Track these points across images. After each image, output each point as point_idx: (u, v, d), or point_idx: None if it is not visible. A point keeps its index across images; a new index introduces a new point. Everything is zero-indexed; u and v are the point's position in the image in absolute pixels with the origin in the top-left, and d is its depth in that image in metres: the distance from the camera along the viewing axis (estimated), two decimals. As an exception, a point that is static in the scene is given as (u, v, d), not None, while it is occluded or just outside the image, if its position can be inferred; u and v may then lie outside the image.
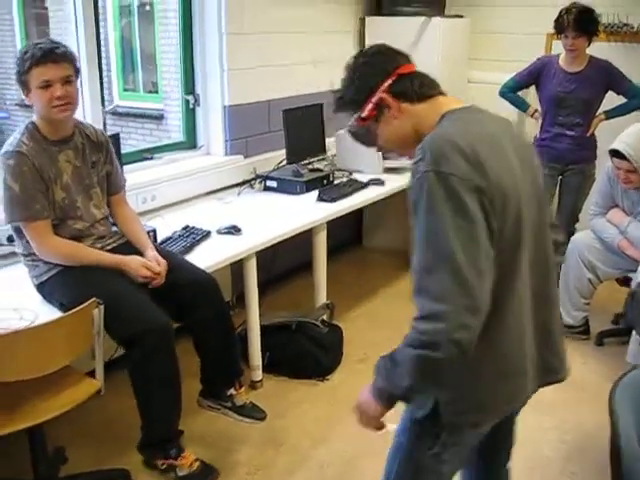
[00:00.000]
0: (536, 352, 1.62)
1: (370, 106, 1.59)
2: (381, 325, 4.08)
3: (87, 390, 2.38)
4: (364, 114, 1.61)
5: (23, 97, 2.46)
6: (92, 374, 2.43)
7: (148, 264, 2.56)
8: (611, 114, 4.01)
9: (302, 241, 3.55)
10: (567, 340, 1.77)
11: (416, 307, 1.41)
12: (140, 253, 2.63)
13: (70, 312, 2.22)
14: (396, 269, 4.93)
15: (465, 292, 1.35)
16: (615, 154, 3.29)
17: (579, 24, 3.75)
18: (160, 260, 2.59)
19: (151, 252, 2.62)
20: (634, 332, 3.26)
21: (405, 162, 4.45)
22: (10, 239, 2.70)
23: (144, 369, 2.42)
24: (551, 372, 1.70)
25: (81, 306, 2.23)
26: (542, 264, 1.62)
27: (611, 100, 4.04)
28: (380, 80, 1.59)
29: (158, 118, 6.64)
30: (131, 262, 2.56)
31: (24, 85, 2.40)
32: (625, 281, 3.65)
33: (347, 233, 5.28)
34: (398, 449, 1.71)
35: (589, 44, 3.87)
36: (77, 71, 2.48)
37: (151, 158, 3.74)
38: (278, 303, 4.01)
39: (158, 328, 2.40)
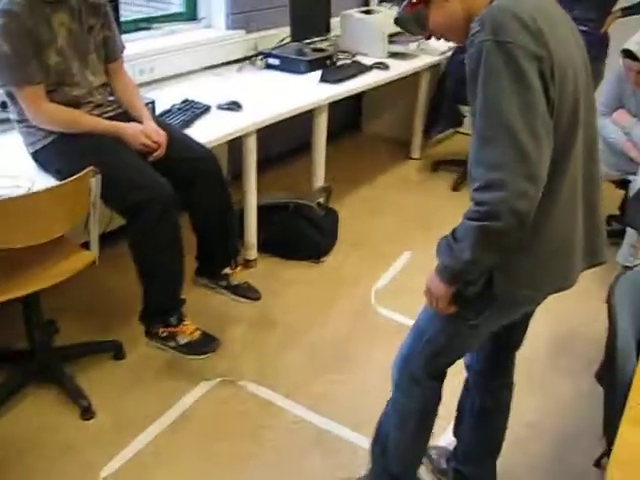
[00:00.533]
0: (584, 232, 1.65)
1: None
2: (377, 211, 4.09)
3: (81, 261, 2.36)
4: None
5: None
6: (86, 246, 2.42)
7: (147, 131, 2.49)
8: (627, 12, 3.86)
9: (301, 122, 3.48)
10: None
11: (474, 179, 1.42)
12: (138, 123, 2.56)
13: (66, 181, 2.17)
14: (394, 156, 4.91)
15: (523, 159, 1.36)
16: (627, 54, 3.18)
17: None
18: (159, 131, 2.52)
19: (150, 122, 2.55)
20: (627, 234, 3.28)
21: (411, 47, 4.34)
22: (4, 105, 2.62)
23: (148, 237, 2.40)
24: (596, 253, 1.72)
25: (77, 175, 2.18)
26: (590, 143, 1.61)
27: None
28: None
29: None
30: (129, 128, 2.48)
31: None
32: (622, 183, 3.64)
33: (346, 118, 5.18)
34: (437, 315, 1.73)
35: None
36: None
37: (149, 28, 3.59)
38: (274, 183, 3.99)
39: (163, 196, 2.36)
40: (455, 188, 4.44)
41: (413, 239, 3.80)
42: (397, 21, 1.70)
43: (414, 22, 1.65)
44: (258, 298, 2.96)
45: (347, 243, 3.69)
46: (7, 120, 2.65)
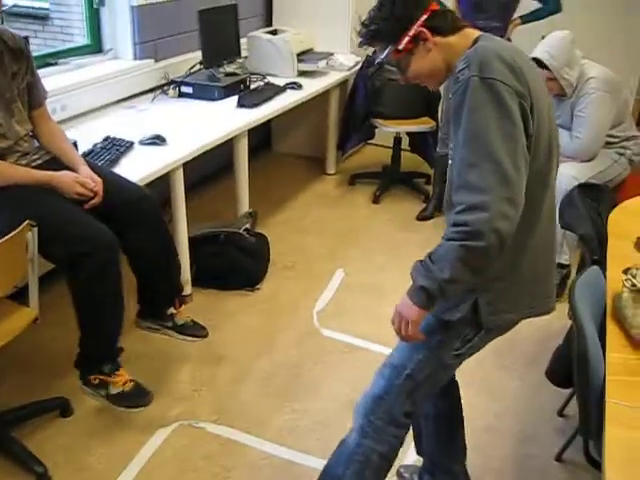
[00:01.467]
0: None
1: (407, 39, 1.64)
2: (303, 231, 4.09)
3: (23, 320, 2.23)
4: (401, 46, 1.65)
5: None
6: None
7: (81, 179, 2.38)
8: (526, 19, 4.05)
9: (217, 148, 3.41)
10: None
11: (457, 202, 1.49)
12: (69, 170, 2.44)
13: (3, 239, 2.03)
14: (309, 174, 4.92)
15: (505, 184, 1.45)
16: (535, 62, 3.32)
17: None
18: (95, 177, 2.41)
19: (84, 169, 2.44)
20: (562, 235, 3.41)
21: (320, 65, 4.37)
22: None
23: (90, 288, 2.29)
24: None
25: (14, 231, 2.05)
26: (554, 176, 1.72)
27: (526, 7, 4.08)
28: (419, 14, 1.64)
29: (43, 18, 6.08)
30: (63, 177, 2.36)
31: None
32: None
33: (256, 138, 5.15)
34: (419, 347, 1.75)
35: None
36: None
37: (56, 64, 3.44)
38: (198, 212, 3.90)
39: (104, 245, 2.26)
40: (375, 200, 4.50)
41: (343, 255, 3.82)
42: (379, 65, 1.76)
43: (397, 67, 1.72)
44: (206, 335, 2.89)
45: (279, 266, 3.66)
46: None
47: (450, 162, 1.59)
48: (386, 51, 1.68)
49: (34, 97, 2.49)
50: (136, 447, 2.46)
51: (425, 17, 1.64)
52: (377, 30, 1.68)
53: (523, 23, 4.05)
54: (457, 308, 1.65)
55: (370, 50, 1.81)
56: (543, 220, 1.64)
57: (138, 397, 2.56)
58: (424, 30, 1.64)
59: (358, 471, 1.88)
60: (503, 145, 1.45)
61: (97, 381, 2.51)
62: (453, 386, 2.12)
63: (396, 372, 1.80)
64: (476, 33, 1.67)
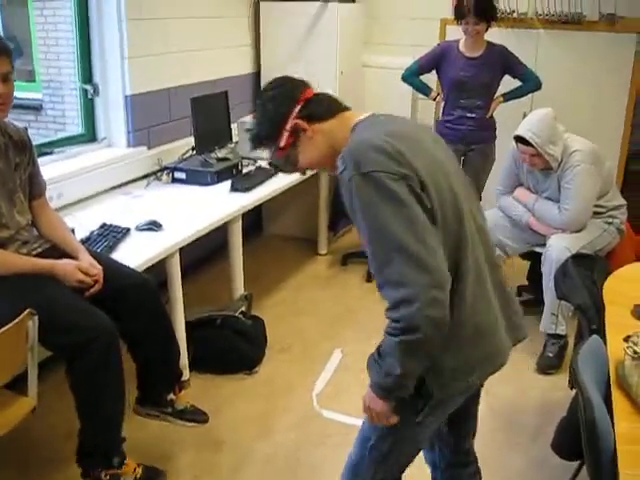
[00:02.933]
0: (501, 312, 1.73)
1: (286, 134, 1.69)
2: (297, 312, 4.09)
3: (21, 410, 2.20)
4: (282, 144, 1.70)
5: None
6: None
7: (83, 267, 2.39)
8: (508, 97, 4.19)
9: (212, 231, 3.44)
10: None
11: (386, 300, 1.49)
12: (69, 258, 2.45)
13: (4, 329, 2.01)
14: (301, 255, 4.95)
15: (423, 270, 1.44)
16: (520, 140, 3.42)
17: (480, 10, 3.87)
18: (96, 265, 2.41)
19: (85, 256, 2.44)
20: (547, 303, 3.44)
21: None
22: None
23: (91, 379, 2.26)
24: (517, 329, 1.80)
25: (15, 320, 2.04)
26: (482, 232, 1.73)
27: (507, 85, 4.22)
28: (290, 108, 1.70)
29: (37, 109, 6.22)
30: (65, 265, 2.36)
31: None
32: (527, 255, 3.85)
33: (247, 221, 5.19)
34: (375, 427, 1.74)
35: (487, 29, 4.00)
36: (13, 67, 2.28)
37: (51, 153, 3.50)
38: (192, 295, 3.89)
39: (105, 335, 2.24)
40: (368, 279, 4.51)
41: (339, 335, 3.80)
42: (271, 165, 1.84)
43: (286, 164, 1.77)
44: (206, 420, 2.82)
45: (275, 349, 3.64)
46: None
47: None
48: (272, 151, 1.74)
49: (35, 187, 2.52)
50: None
51: (298, 108, 1.69)
52: (257, 135, 1.75)
53: (505, 101, 4.19)
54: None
55: None
56: (469, 281, 1.61)
57: (152, 479, 2.54)
58: (298, 122, 1.68)
59: None
60: (406, 231, 1.46)
61: (107, 477, 2.43)
62: (478, 474, 2.11)
63: (363, 442, 1.82)
64: (354, 118, 1.70)
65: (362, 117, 1.71)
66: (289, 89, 1.74)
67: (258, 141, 1.76)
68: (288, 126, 1.68)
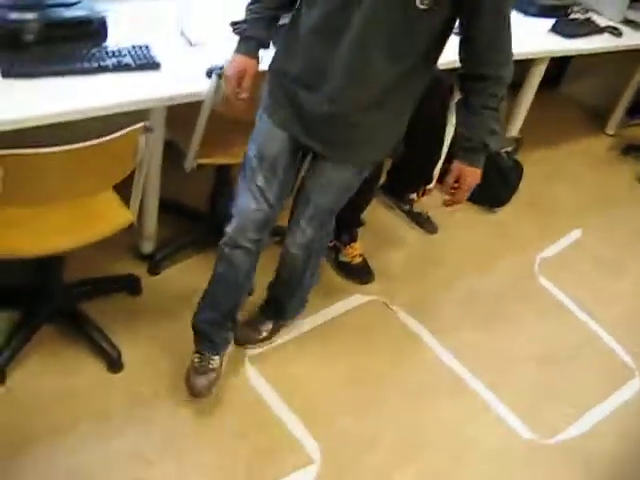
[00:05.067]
0: None
1: None
2: (555, 178, 3.97)
3: (119, 220, 2.05)
4: None
5: None
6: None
7: None
8: None
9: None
10: None
11: (501, 62, 1.73)
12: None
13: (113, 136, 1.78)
14: (587, 126, 4.69)
15: None
16: None
17: None
18: None
19: None
20: None
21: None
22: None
23: None
24: None
25: (125, 130, 1.81)
26: None
27: None
28: None
29: None
30: None
31: None
32: None
33: (546, 71, 4.89)
34: None
35: None
36: None
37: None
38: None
39: None
40: (641, 179, 4.18)
41: (586, 219, 3.63)
42: None
43: None
44: (434, 232, 2.91)
45: (522, 201, 3.57)
46: None
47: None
48: None
49: None
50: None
51: None
52: None
53: None
54: None
55: None
56: None
57: (360, 274, 2.71)
58: None
59: None
60: None
61: (332, 244, 2.62)
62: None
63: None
64: None
65: None
66: None
67: None
68: None
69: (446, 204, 1.92)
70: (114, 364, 2.21)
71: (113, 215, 2.06)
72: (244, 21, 1.83)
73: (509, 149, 3.52)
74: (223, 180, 2.55)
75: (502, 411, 2.39)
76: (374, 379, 2.39)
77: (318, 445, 2.12)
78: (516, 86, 3.59)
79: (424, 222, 2.92)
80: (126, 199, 2.05)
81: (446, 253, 3.04)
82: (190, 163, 2.26)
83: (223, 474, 2.00)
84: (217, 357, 2.15)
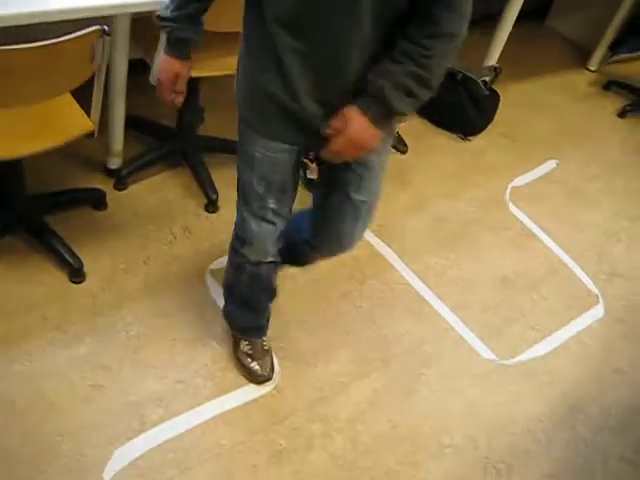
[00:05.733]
0: None
1: None
2: (534, 109, 3.92)
3: (79, 126, 2.03)
4: None
5: None
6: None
7: None
8: None
9: None
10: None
11: (463, 16, 1.41)
12: None
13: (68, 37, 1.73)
14: (570, 61, 4.60)
15: None
16: None
17: None
18: None
19: None
20: None
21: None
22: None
23: None
24: None
25: (79, 32, 1.76)
26: None
27: None
28: None
29: None
30: None
31: None
32: None
33: (531, 5, 4.79)
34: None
35: None
36: None
37: None
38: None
39: None
40: (621, 115, 4.15)
41: (562, 151, 3.62)
42: None
43: None
44: (404, 152, 2.89)
45: (497, 130, 3.55)
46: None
47: None
48: None
49: None
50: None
51: None
52: None
53: None
54: None
55: None
56: None
57: None
58: None
59: None
60: None
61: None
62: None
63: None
64: None
65: None
66: None
67: None
68: None
69: (324, 154, 1.56)
70: (76, 274, 2.22)
71: (73, 123, 2.03)
72: (172, 19, 1.63)
73: (486, 78, 3.47)
74: (191, 93, 2.50)
75: (464, 332, 2.42)
76: (336, 296, 2.41)
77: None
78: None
79: (395, 141, 2.89)
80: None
81: (415, 176, 3.04)
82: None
83: (179, 375, 2.04)
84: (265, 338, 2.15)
